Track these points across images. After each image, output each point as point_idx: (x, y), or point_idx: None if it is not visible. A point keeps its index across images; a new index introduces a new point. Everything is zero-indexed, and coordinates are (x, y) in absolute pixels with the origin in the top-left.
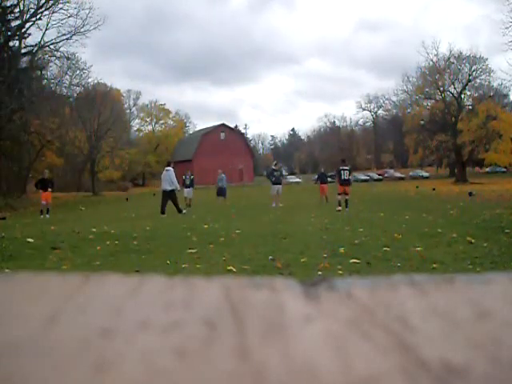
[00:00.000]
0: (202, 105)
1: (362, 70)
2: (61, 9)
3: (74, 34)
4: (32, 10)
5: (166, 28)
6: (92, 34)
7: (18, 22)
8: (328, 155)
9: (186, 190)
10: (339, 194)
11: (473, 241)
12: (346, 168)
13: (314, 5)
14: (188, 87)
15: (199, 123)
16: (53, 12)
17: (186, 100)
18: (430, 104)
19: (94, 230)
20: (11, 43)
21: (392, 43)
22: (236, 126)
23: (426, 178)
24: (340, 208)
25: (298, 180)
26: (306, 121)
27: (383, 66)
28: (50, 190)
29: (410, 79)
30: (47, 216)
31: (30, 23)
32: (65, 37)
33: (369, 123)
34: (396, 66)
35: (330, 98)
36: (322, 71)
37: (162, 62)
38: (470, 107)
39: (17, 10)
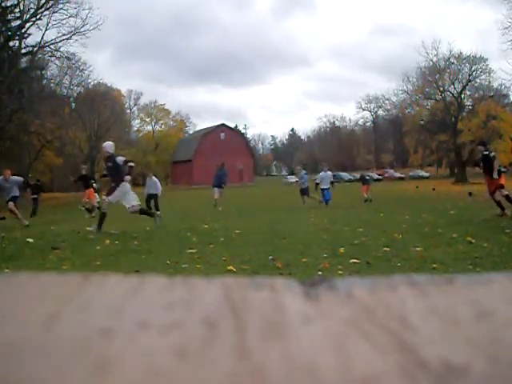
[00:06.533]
0: (212, 106)
1: (373, 72)
2: (61, 9)
3: (73, 34)
4: (32, 10)
5: (188, 33)
6: (114, 36)
7: (18, 22)
8: (328, 155)
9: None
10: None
11: (473, 241)
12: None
13: (332, 10)
14: (201, 89)
15: (208, 124)
16: (53, 12)
17: (196, 101)
18: (430, 104)
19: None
20: (11, 43)
21: (405, 47)
22: (236, 126)
23: (426, 178)
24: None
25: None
26: (307, 121)
27: (394, 69)
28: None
29: (410, 79)
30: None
31: (30, 23)
32: (65, 37)
33: (369, 123)
34: (406, 69)
35: (340, 99)
36: (332, 74)
37: (180, 65)
38: (470, 107)
39: (17, 10)
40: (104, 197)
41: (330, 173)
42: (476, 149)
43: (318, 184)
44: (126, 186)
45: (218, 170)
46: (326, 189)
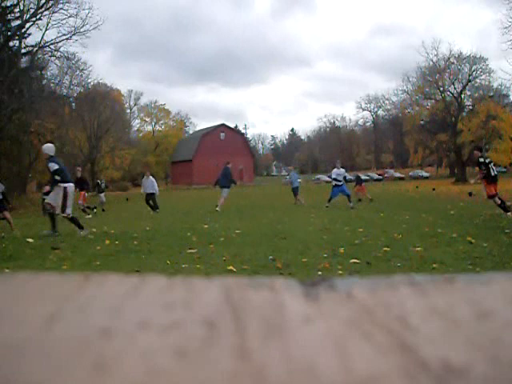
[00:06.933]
0: (211, 106)
1: (372, 72)
2: (61, 9)
3: (73, 34)
4: (32, 10)
5: (187, 32)
6: (113, 36)
7: (18, 22)
8: (328, 155)
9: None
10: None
11: (473, 241)
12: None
13: (332, 10)
14: (200, 89)
15: (207, 124)
16: (53, 12)
17: (196, 101)
18: (430, 104)
19: (94, 230)
20: (11, 43)
21: (405, 47)
22: (236, 126)
23: (426, 178)
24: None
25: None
26: (306, 121)
27: (394, 69)
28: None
29: (410, 79)
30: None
31: (30, 23)
32: (65, 37)
33: (369, 123)
34: (406, 69)
35: (339, 99)
36: (332, 74)
37: (179, 65)
38: (470, 107)
39: (17, 9)
40: (63, 214)
41: (343, 170)
42: (474, 153)
43: (336, 180)
44: (60, 189)
45: (223, 168)
46: (338, 185)
